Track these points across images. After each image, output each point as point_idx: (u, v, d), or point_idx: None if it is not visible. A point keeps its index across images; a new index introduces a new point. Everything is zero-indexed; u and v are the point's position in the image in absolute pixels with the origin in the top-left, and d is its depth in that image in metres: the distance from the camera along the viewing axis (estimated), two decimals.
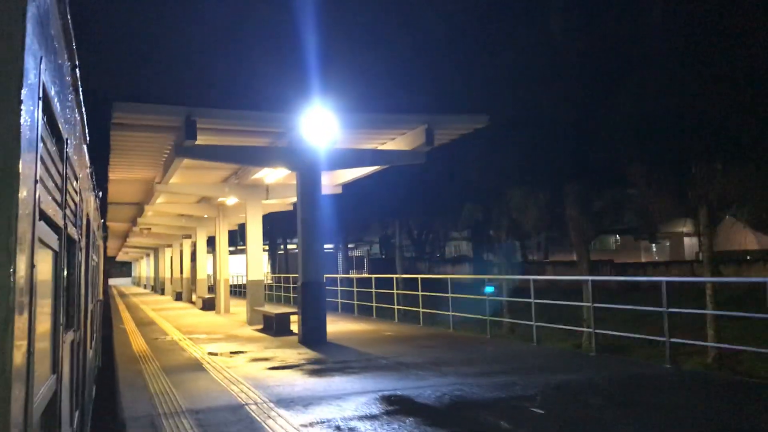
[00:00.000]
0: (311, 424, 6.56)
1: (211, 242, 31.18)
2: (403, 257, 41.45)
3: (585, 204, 23.13)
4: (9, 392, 1.22)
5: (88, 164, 5.32)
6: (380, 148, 15.61)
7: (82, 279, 4.24)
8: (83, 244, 4.18)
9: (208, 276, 32.40)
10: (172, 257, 41.45)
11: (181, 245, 35.76)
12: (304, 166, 13.83)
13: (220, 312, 23.33)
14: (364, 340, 13.80)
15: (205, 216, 26.22)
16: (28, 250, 1.45)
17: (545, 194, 23.89)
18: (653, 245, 56.59)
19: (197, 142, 13.31)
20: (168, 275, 43.34)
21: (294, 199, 22.49)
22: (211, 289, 31.64)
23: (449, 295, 14.97)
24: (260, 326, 16.98)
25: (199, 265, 30.20)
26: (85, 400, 4.76)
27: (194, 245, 31.62)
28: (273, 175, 17.64)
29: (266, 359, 11.29)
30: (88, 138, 4.71)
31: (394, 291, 17.84)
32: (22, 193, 1.34)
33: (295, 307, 17.64)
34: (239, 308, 24.42)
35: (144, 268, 68.15)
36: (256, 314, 17.76)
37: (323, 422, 6.63)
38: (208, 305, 25.38)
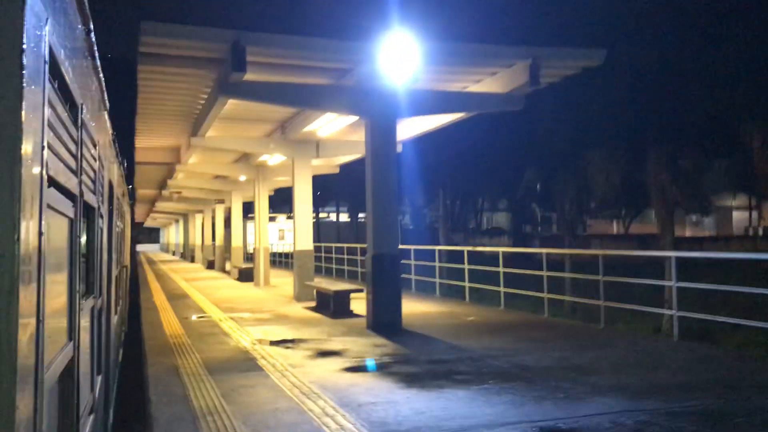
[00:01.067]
0: None
1: (246, 208, 28.84)
2: (446, 228, 38.54)
3: (676, 170, 20.09)
4: (15, 360, 1.17)
5: (110, 130, 4.94)
6: (466, 91, 12.78)
7: (104, 246, 4.02)
8: (104, 210, 3.99)
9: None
10: (203, 223, 39.22)
11: (214, 210, 33.39)
12: (376, 110, 11.10)
13: (259, 284, 20.93)
14: (445, 326, 11.20)
15: (242, 178, 23.71)
16: (36, 218, 1.37)
17: (627, 158, 20.87)
18: (703, 219, 53.23)
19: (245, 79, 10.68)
20: (199, 242, 41.20)
21: (345, 159, 19.90)
22: (247, 258, 29.34)
23: (544, 273, 12.25)
24: (311, 304, 14.50)
25: (234, 231, 27.88)
26: (110, 366, 4.53)
27: (228, 210, 29.32)
28: (328, 127, 14.95)
29: (336, 353, 8.75)
30: (107, 104, 4.42)
31: (465, 266, 15.20)
32: (27, 159, 1.27)
33: (344, 282, 15.14)
34: (278, 279, 22.02)
35: (173, 235, 66.36)
36: (306, 289, 15.27)
37: None
38: (245, 276, 22.98)
